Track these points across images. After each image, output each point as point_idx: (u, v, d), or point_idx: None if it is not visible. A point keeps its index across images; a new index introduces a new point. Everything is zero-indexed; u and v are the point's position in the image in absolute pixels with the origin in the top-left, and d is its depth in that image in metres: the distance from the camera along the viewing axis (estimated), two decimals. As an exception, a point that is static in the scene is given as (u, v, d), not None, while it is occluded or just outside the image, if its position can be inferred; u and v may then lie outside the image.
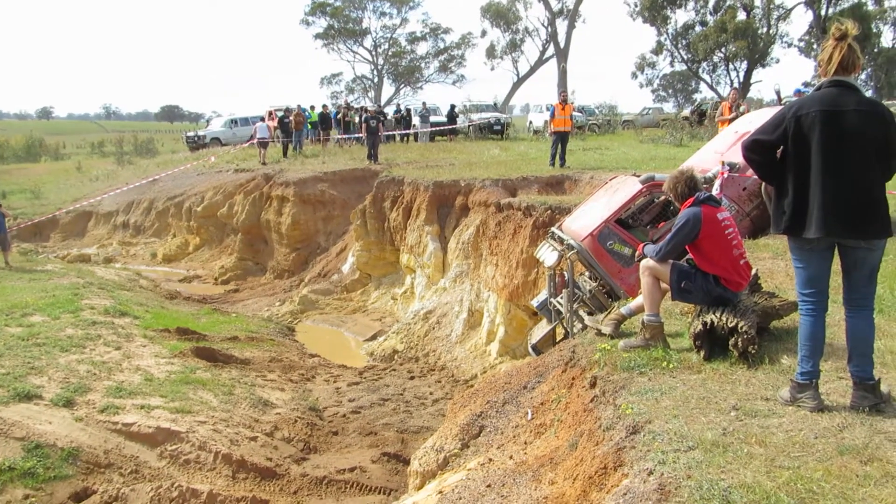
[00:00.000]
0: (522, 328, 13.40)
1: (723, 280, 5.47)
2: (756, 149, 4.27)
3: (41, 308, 13.73)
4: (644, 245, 5.90)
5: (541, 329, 9.76)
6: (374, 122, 24.48)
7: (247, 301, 19.96)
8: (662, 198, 8.69)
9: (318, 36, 59.20)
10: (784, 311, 5.71)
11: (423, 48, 62.73)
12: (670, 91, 68.07)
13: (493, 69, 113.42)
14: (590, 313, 8.26)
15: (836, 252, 4.23)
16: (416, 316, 16.24)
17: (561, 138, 18.25)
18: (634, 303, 6.18)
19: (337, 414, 11.77)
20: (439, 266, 17.36)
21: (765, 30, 40.16)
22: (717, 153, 9.54)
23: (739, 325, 5.13)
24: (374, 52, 60.64)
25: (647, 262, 5.66)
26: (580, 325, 8.14)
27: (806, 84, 25.99)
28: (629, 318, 6.28)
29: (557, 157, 18.23)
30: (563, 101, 18.52)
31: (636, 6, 41.89)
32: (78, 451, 8.89)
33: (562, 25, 52.62)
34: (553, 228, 9.47)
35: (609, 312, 6.94)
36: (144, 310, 15.65)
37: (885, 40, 42.47)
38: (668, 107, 61.61)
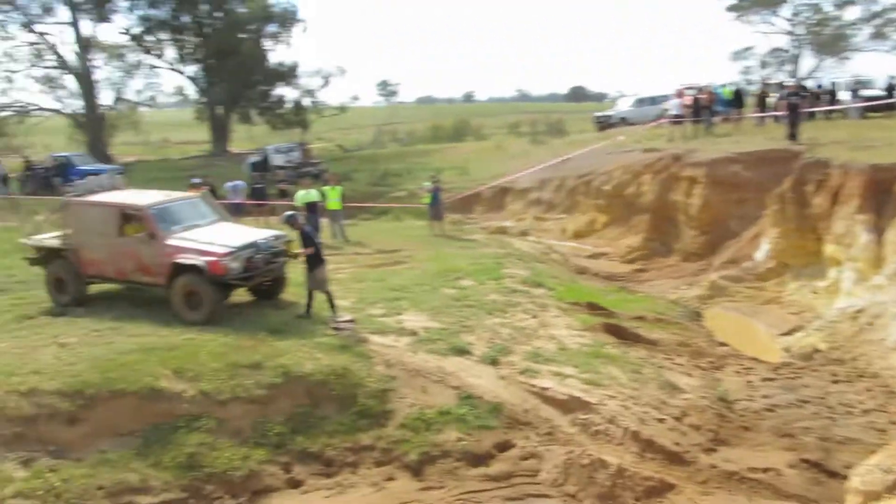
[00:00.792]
0: None
1: None
2: None
3: (470, 273, 15.87)
4: None
5: None
6: (795, 98, 22.68)
7: (653, 281, 20.27)
8: None
9: (730, 8, 56.52)
10: None
11: (852, 13, 55.48)
12: None
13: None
14: None
15: None
16: (843, 314, 14.78)
17: None
18: None
19: (748, 409, 11.45)
20: (873, 260, 15.50)
21: None
22: None
23: None
24: (792, 21, 55.62)
25: None
26: None
27: None
28: None
29: None
30: None
31: None
32: (501, 407, 10.22)
33: None
34: None
35: None
36: (557, 282, 16.97)
37: None
38: None
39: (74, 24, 45.76)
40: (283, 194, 25.65)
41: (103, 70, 50.86)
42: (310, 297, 12.51)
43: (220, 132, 51.44)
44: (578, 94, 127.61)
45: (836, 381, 12.73)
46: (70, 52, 46.66)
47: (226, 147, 51.80)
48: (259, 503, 8.75)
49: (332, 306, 12.45)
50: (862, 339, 13.90)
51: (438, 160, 40.62)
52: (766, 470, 9.40)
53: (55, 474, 8.32)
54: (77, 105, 48.27)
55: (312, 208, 20.29)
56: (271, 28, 50.27)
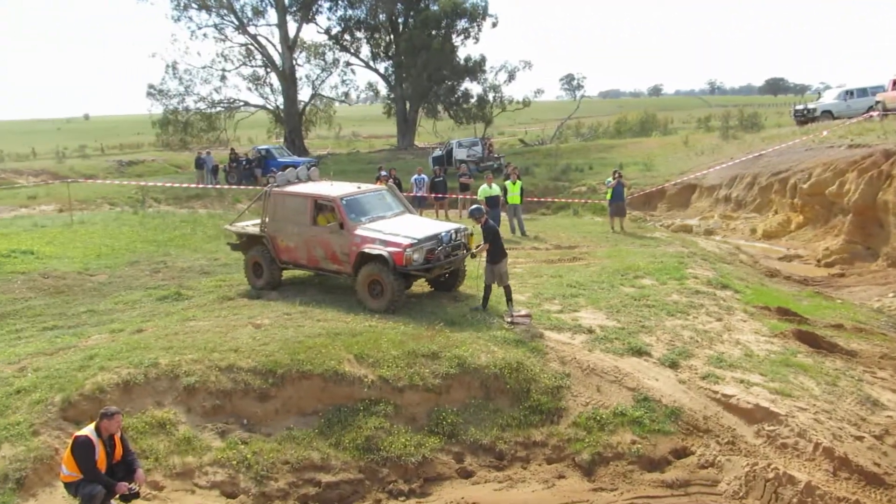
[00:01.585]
0: None
1: None
2: None
3: (650, 272, 15.42)
4: None
5: None
6: None
7: (853, 287, 18.58)
8: None
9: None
10: None
11: None
12: None
13: None
14: None
15: None
16: None
17: None
18: None
19: (970, 435, 10.16)
20: None
21: None
22: None
23: None
24: None
25: None
26: None
27: None
28: None
29: None
30: None
31: None
32: (679, 411, 9.83)
33: None
34: None
35: None
36: (744, 284, 16.03)
37: None
38: None
39: (282, 25, 49.29)
40: (464, 188, 26.21)
41: (304, 68, 54.48)
42: (487, 290, 12.67)
43: (406, 126, 53.40)
44: (776, 86, 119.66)
45: None
46: (276, 52, 50.31)
47: (412, 141, 53.68)
48: (431, 489, 8.98)
49: (510, 300, 12.53)
50: None
51: (621, 155, 39.75)
52: None
53: (247, 447, 9.02)
54: (279, 101, 51.91)
55: (493, 203, 20.55)
56: (461, 24, 51.30)
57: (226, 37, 49.89)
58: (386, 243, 12.31)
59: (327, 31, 53.02)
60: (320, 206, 13.62)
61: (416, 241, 12.27)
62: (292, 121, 50.79)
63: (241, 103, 52.27)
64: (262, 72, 51.46)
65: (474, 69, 52.33)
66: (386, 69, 54.59)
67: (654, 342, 11.55)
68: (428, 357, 10.37)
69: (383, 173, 23.75)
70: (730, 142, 37.80)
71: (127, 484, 7.59)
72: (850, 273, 19.98)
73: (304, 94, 55.80)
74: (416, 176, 25.39)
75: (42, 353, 10.52)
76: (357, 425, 9.42)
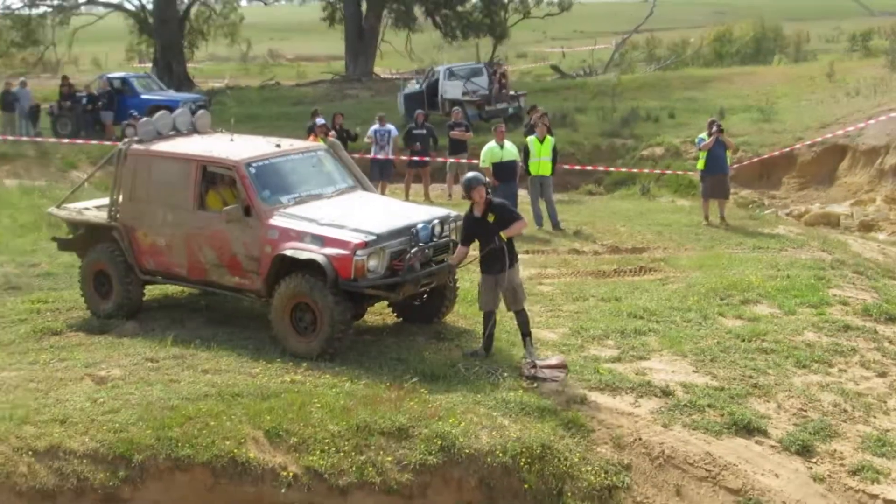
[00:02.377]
0: None
1: None
2: None
3: (770, 294, 15.45)
4: None
5: None
6: None
7: None
8: None
9: None
10: None
11: None
12: None
13: None
14: None
15: None
16: None
17: None
18: None
19: None
20: None
21: None
22: None
23: None
24: None
25: None
26: None
27: None
28: None
29: None
30: None
31: None
32: (814, 530, 9.86)
33: None
34: None
35: None
36: (925, 317, 16.12)
37: None
38: None
39: None
40: (458, 148, 26.27)
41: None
42: (488, 321, 12.67)
43: (361, 43, 53.42)
44: None
45: None
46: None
47: (370, 67, 53.72)
48: None
49: (527, 337, 12.52)
50: None
51: (723, 95, 39.92)
52: None
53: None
54: (145, -2, 51.90)
55: (506, 173, 20.57)
56: None
57: None
58: (323, 241, 12.28)
59: None
60: (212, 177, 13.55)
61: (373, 237, 12.25)
62: (167, 31, 50.81)
63: (82, 1, 52.27)
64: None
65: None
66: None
67: (774, 412, 11.55)
68: (391, 436, 10.31)
69: (320, 121, 23.72)
70: (905, 76, 37.97)
71: None
72: None
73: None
74: (376, 126, 25.44)
75: None
76: (269, 551, 9.40)
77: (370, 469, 9.94)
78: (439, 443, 10.22)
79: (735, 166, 26.80)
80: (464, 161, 26.00)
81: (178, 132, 14.72)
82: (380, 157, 24.86)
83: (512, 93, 37.34)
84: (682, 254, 18.72)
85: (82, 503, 9.50)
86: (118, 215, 13.97)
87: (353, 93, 46.25)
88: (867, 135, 29.79)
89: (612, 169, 30.34)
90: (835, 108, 34.31)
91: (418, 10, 53.46)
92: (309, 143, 16.80)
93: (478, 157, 21.96)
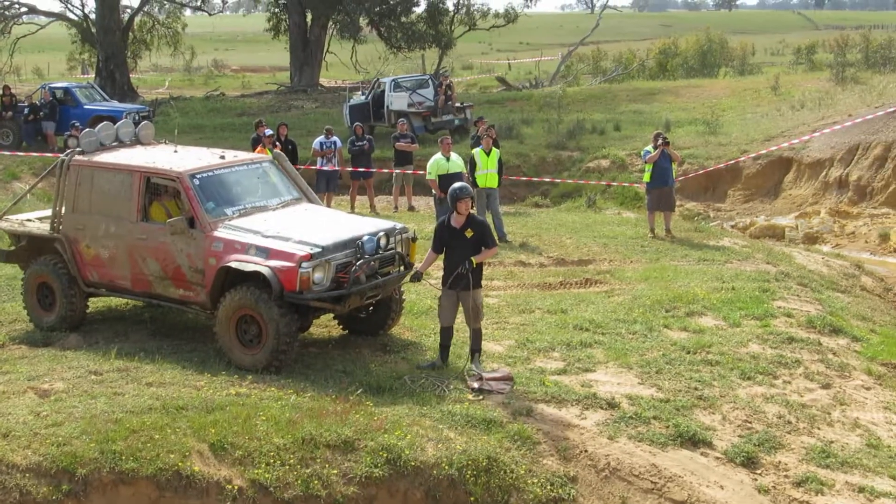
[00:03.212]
0: None
1: None
2: None
3: (714, 306, 15.63)
4: None
5: None
6: None
7: None
8: None
9: None
10: None
11: None
12: None
13: None
14: None
15: None
16: None
17: None
18: None
19: None
20: None
21: None
22: None
23: None
24: None
25: None
26: None
27: None
28: None
29: None
30: None
31: None
32: (758, 540, 9.97)
33: None
34: None
35: None
36: (868, 328, 16.33)
37: None
38: None
39: None
40: (403, 159, 26.33)
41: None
42: (445, 334, 12.75)
43: (306, 54, 53.42)
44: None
45: None
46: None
47: (315, 78, 53.71)
48: None
49: (476, 352, 12.58)
50: None
51: (669, 108, 40.32)
52: None
53: None
54: (88, 6, 51.65)
55: (452, 184, 20.61)
56: None
57: None
58: (268, 253, 12.28)
59: None
60: (155, 189, 13.50)
61: (318, 249, 12.26)
62: (110, 41, 50.49)
63: (23, 9, 51.78)
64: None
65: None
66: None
67: (719, 423, 11.65)
68: (336, 449, 10.31)
69: (268, 132, 23.70)
70: (848, 88, 38.55)
71: None
72: None
73: (133, -6, 55.36)
74: (321, 138, 25.43)
75: None
76: (213, 566, 9.36)
77: (316, 482, 9.93)
78: (385, 455, 10.23)
79: (681, 179, 27.11)
80: (409, 172, 26.08)
81: (121, 143, 14.67)
82: (326, 168, 24.85)
83: (458, 104, 37.47)
84: (627, 266, 18.86)
85: (24, 519, 9.45)
86: (61, 227, 13.90)
87: (298, 104, 46.23)
88: (812, 147, 30.21)
89: (558, 181, 30.54)
90: (780, 120, 34.76)
91: (363, 21, 53.50)
92: (254, 154, 16.78)
93: (424, 168, 22.03)
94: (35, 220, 14.92)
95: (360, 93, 40.86)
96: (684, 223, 24.25)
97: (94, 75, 50.87)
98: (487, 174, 21.30)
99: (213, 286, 12.61)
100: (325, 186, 24.30)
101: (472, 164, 21.38)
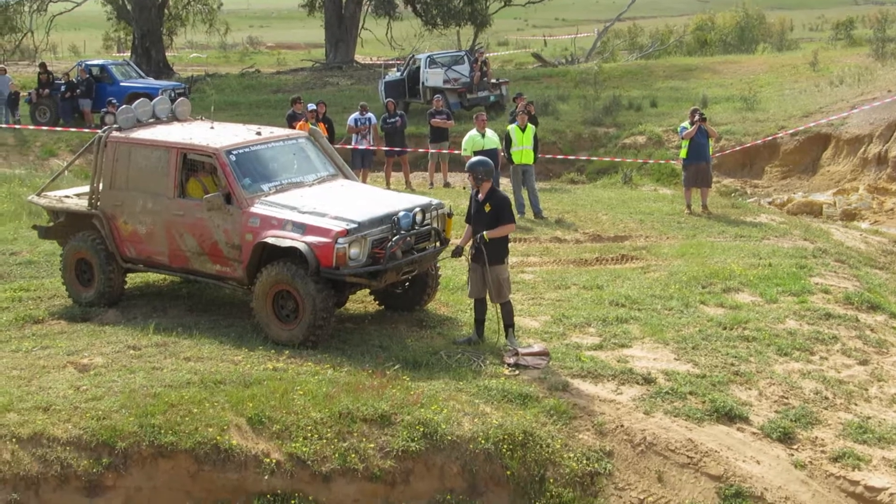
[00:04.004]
0: None
1: None
2: None
3: (751, 282, 15.62)
4: None
5: None
6: None
7: None
8: None
9: None
10: None
11: None
12: None
13: None
14: None
15: None
16: None
17: None
18: None
19: None
20: None
21: None
22: None
23: None
24: None
25: None
26: None
27: None
28: None
29: None
30: None
31: None
32: (794, 516, 10.01)
33: None
34: None
35: None
36: (908, 305, 16.28)
37: None
38: None
39: None
40: (439, 136, 26.29)
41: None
42: (478, 308, 12.80)
43: (341, 31, 53.31)
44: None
45: None
46: None
47: (350, 55, 53.63)
48: None
49: (510, 328, 12.64)
50: None
51: (706, 84, 40.04)
52: None
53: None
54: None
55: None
56: None
57: None
58: (304, 229, 12.33)
59: None
60: (192, 165, 13.59)
61: (354, 224, 12.30)
62: (146, 19, 50.65)
63: (59, -14, 51.98)
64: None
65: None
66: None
67: (755, 400, 11.70)
68: (373, 423, 10.40)
69: (310, 107, 23.73)
70: (888, 64, 38.16)
71: None
72: None
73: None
74: (356, 115, 25.44)
75: None
76: (252, 538, 9.46)
77: (353, 456, 10.02)
78: (422, 430, 10.31)
79: (717, 155, 26.96)
80: (445, 151, 26.07)
81: (157, 120, 14.74)
82: (361, 146, 24.88)
83: (493, 81, 37.34)
84: (664, 242, 18.83)
85: (66, 490, 9.57)
86: (98, 203, 14.00)
87: (333, 80, 46.20)
88: (850, 124, 29.96)
89: (594, 158, 30.44)
90: (818, 97, 34.47)
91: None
92: (290, 130, 16.80)
93: (459, 145, 22.03)
94: (73, 196, 15.04)
95: (395, 69, 40.81)
96: (721, 199, 24.13)
97: (129, 53, 51.02)
98: (523, 150, 21.30)
99: (250, 262, 12.68)
100: (360, 163, 24.31)
101: (507, 140, 21.39)
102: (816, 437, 11.06)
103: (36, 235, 15.86)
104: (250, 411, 10.34)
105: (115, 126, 14.26)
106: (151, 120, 14.67)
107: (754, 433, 11.06)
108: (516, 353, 12.12)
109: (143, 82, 37.45)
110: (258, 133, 14.03)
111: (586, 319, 13.82)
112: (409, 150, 26.29)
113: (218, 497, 9.77)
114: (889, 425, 11.45)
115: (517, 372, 11.79)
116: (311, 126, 17.92)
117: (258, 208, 12.72)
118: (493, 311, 12.85)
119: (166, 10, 53.06)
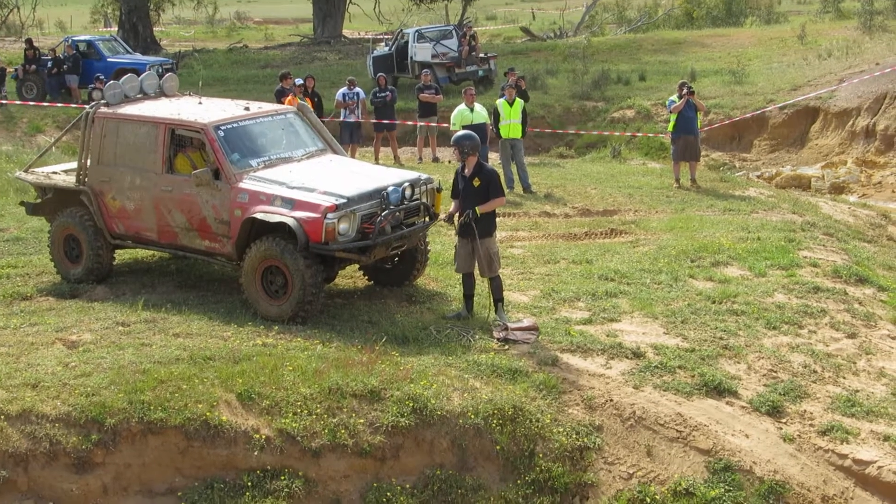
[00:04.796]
0: None
1: None
2: None
3: (740, 256, 15.62)
4: None
5: None
6: None
7: None
8: None
9: None
10: None
11: None
12: None
13: None
14: None
15: None
16: None
17: None
18: None
19: None
20: None
21: None
22: None
23: None
24: None
25: None
26: None
27: None
28: None
29: None
30: None
31: None
32: (783, 488, 10.06)
33: None
34: None
35: None
36: (894, 277, 16.27)
37: None
38: None
39: None
40: (427, 111, 26.23)
41: None
42: (466, 282, 12.79)
43: (329, 6, 53.08)
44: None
45: None
46: None
47: (338, 30, 53.46)
48: None
49: (499, 302, 12.62)
50: None
51: (694, 57, 40.01)
52: None
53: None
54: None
55: (476, 135, 20.58)
56: None
57: None
58: (293, 204, 12.29)
59: None
60: (180, 140, 13.52)
61: (343, 200, 12.27)
62: (133, -7, 50.32)
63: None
64: None
65: None
66: None
67: (744, 374, 11.71)
68: (363, 398, 10.39)
69: (298, 82, 23.65)
70: (876, 36, 38.17)
71: None
72: None
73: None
74: (344, 90, 25.34)
75: None
76: (241, 513, 9.47)
77: (342, 431, 10.02)
78: (411, 405, 10.30)
79: (706, 129, 26.96)
80: (434, 125, 26.02)
81: (145, 95, 14.66)
82: (349, 119, 24.80)
83: (482, 55, 37.25)
84: (652, 216, 18.83)
85: (55, 467, 9.55)
86: (86, 179, 13.94)
87: (321, 55, 46.03)
88: (839, 97, 30.00)
89: (582, 132, 30.42)
90: (806, 70, 34.45)
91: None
92: (278, 105, 16.72)
93: (448, 120, 21.97)
94: (61, 172, 14.98)
95: (383, 44, 40.66)
96: (710, 173, 24.11)
97: (116, 28, 50.74)
98: (510, 124, 21.26)
99: (239, 237, 12.64)
100: (348, 138, 24.24)
101: (495, 114, 21.36)
102: (805, 411, 11.07)
103: (23, 212, 15.81)
104: (240, 387, 10.32)
105: (102, 102, 14.17)
106: (139, 95, 14.58)
107: (743, 407, 11.07)
108: (506, 328, 12.12)
109: (131, 58, 37.27)
110: (246, 108, 13.97)
111: (575, 294, 13.81)
112: (397, 122, 26.22)
113: (207, 473, 9.75)
114: (877, 398, 11.47)
115: (507, 347, 11.79)
116: (298, 101, 17.86)
117: (247, 184, 12.67)
118: (482, 286, 12.84)
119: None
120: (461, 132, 13.15)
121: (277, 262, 12.32)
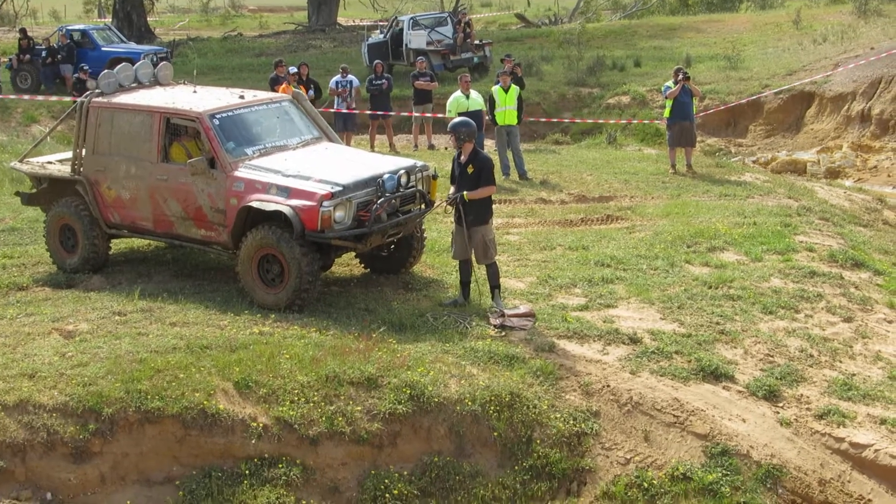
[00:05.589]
0: None
1: None
2: None
3: (735, 241, 15.63)
4: None
5: None
6: None
7: None
8: None
9: None
10: None
11: None
12: None
13: None
14: None
15: None
16: None
17: None
18: None
19: None
20: None
21: None
22: None
23: None
24: None
25: None
26: None
27: None
28: None
29: None
30: None
31: None
32: (780, 472, 10.08)
33: None
34: None
35: None
36: (890, 262, 16.31)
37: None
38: None
39: None
40: (423, 98, 26.22)
41: None
42: (463, 269, 12.80)
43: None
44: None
45: None
46: None
47: (332, 18, 53.36)
48: None
49: (496, 289, 12.63)
50: None
51: (690, 43, 39.98)
52: None
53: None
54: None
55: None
56: None
57: None
58: (289, 192, 12.28)
59: None
60: (175, 129, 13.50)
61: (339, 187, 12.26)
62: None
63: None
64: None
65: None
66: None
67: (741, 358, 11.73)
68: (360, 386, 10.41)
69: (292, 70, 23.63)
70: (870, 21, 38.16)
71: None
72: None
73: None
74: (337, 77, 25.33)
75: None
76: (238, 502, 9.49)
77: (340, 419, 10.03)
78: (408, 392, 10.32)
79: (701, 114, 26.95)
80: (429, 115, 26.02)
81: (140, 84, 14.64)
82: (343, 109, 24.78)
83: (477, 42, 37.17)
84: (648, 202, 18.83)
85: (52, 457, 9.55)
86: (81, 169, 13.92)
87: (316, 43, 45.96)
88: (834, 82, 30.01)
89: (578, 119, 30.40)
90: (801, 55, 34.44)
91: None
92: (273, 94, 16.71)
93: (443, 107, 21.96)
94: (56, 162, 14.95)
95: (378, 31, 40.60)
96: (705, 159, 24.11)
97: (110, 17, 50.63)
98: (506, 111, 21.24)
99: (235, 226, 12.63)
100: (342, 126, 24.22)
101: (490, 101, 21.34)
102: (802, 395, 11.11)
103: (19, 202, 15.77)
104: (237, 376, 10.33)
105: (97, 91, 14.15)
106: (134, 84, 14.56)
107: (740, 391, 11.11)
108: (502, 315, 12.12)
109: (125, 47, 37.22)
110: (241, 97, 13.95)
111: (572, 280, 13.82)
112: (392, 113, 26.20)
113: (205, 462, 9.76)
114: (873, 382, 11.50)
115: (503, 333, 11.80)
116: (293, 89, 17.84)
117: (242, 172, 12.66)
118: (478, 273, 12.85)
119: (147, -26, 52.73)
120: (457, 119, 13.13)
121: (273, 250, 12.31)
